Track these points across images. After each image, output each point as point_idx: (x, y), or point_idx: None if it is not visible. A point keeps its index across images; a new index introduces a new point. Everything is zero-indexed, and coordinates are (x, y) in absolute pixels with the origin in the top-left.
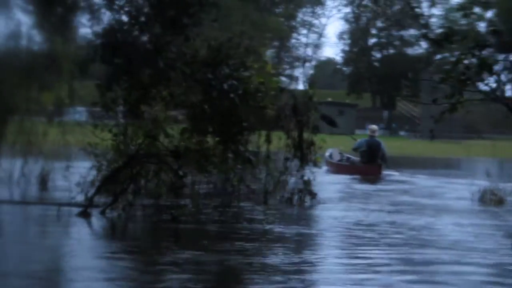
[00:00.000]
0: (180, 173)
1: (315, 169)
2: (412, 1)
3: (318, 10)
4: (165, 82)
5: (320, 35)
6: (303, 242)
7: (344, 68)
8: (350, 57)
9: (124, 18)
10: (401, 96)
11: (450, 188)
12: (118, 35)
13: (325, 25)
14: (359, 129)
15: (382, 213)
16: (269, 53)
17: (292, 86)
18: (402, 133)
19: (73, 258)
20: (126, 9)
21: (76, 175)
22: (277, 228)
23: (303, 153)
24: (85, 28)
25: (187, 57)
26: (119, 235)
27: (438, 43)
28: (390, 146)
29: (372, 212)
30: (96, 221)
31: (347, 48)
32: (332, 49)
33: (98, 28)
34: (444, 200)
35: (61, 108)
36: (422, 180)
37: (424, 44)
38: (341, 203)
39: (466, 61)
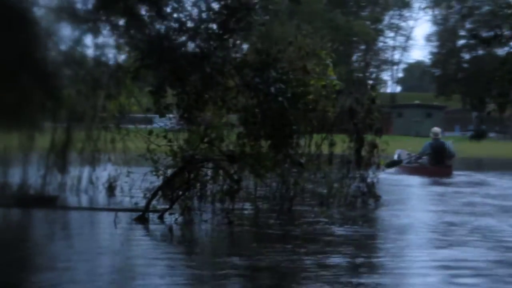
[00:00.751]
0: (235, 177)
1: (381, 171)
2: (502, 1)
3: (405, 12)
4: (216, 87)
5: (408, 38)
6: (360, 244)
7: (433, 70)
8: (438, 59)
9: (172, 24)
10: (491, 98)
11: None
12: (164, 41)
13: (412, 27)
14: (447, 131)
15: (445, 215)
16: (356, 57)
17: (382, 89)
18: (491, 134)
19: (126, 262)
20: (175, 15)
21: (139, 181)
22: (335, 230)
23: (360, 156)
24: (135, 34)
25: (236, 61)
26: (174, 239)
27: (486, 42)
28: (476, 148)
29: (435, 214)
30: (153, 226)
31: (435, 50)
32: (421, 51)
33: (146, 35)
34: None
35: (122, 116)
36: (501, 182)
37: None
38: (406, 205)
39: None
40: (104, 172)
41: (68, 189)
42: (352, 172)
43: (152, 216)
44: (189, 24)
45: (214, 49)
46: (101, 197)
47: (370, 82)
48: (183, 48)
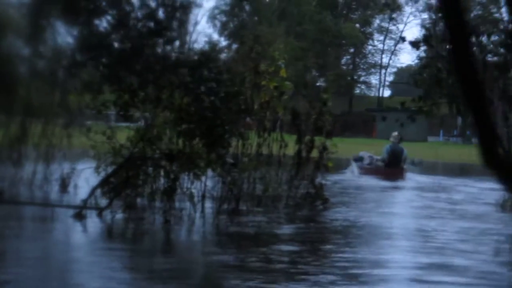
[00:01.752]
0: (171, 176)
1: (345, 173)
2: (491, 7)
3: (396, 15)
4: (149, 85)
5: (397, 41)
6: (281, 243)
7: (421, 74)
8: (426, 63)
9: (110, 20)
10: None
11: (489, 194)
12: (93, 38)
13: (402, 31)
14: (432, 135)
15: (389, 217)
16: (344, 59)
17: (373, 93)
18: (474, 140)
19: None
20: (111, 12)
21: (92, 178)
22: (265, 231)
23: (301, 157)
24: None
25: (171, 60)
26: (103, 236)
27: (415, 45)
28: (456, 153)
29: (380, 216)
30: (90, 223)
31: (423, 54)
32: (410, 55)
33: (81, 32)
34: (469, 205)
35: (79, 111)
36: (463, 187)
37: (502, 50)
38: (354, 208)
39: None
40: (58, 168)
41: (21, 183)
42: (301, 174)
43: (92, 214)
44: (125, 21)
45: (144, 47)
46: (53, 193)
47: (358, 82)
48: (115, 45)
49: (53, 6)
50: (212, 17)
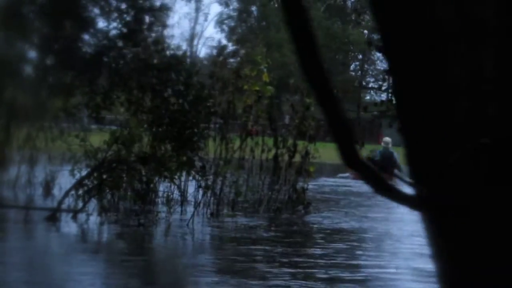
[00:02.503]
0: (144, 179)
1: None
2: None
3: None
4: (122, 88)
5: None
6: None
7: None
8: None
9: (78, 23)
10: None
11: None
12: (61, 41)
13: None
14: None
15: (364, 221)
16: (353, 65)
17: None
18: None
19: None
20: (80, 15)
21: (68, 180)
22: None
23: (277, 161)
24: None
25: (139, 63)
26: (68, 239)
27: (381, 50)
28: None
29: (357, 220)
30: (62, 225)
31: None
32: None
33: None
34: None
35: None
36: None
37: None
38: (336, 211)
39: None
40: (42, 171)
41: (5, 186)
42: (282, 178)
43: (68, 216)
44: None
45: (110, 49)
46: (35, 196)
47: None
48: (79, 48)
49: (24, 9)
50: (219, 22)
